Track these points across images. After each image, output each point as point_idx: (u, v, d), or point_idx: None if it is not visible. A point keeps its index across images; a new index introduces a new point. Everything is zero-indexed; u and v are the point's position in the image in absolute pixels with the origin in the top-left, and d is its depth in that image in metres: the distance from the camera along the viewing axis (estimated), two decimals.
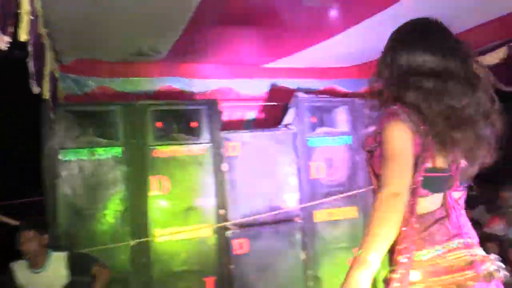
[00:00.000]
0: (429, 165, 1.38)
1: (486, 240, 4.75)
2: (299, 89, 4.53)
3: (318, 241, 3.91)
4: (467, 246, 1.39)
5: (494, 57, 3.71)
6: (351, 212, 4.01)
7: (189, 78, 4.32)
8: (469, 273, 1.33)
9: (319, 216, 3.93)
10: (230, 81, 4.49)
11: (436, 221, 1.40)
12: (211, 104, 3.74)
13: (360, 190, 4.02)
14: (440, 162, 1.39)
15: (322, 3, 3.04)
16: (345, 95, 4.77)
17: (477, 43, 3.32)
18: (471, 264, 1.34)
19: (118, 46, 3.68)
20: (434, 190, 1.41)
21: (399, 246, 1.34)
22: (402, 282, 1.31)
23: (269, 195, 3.80)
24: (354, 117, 4.12)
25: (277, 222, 3.80)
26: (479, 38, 3.51)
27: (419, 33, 1.52)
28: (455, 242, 1.39)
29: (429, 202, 1.41)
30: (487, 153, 1.45)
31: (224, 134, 3.73)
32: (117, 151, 3.45)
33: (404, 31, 1.58)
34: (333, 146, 4.03)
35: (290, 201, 3.85)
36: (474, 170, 1.47)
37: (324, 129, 4.06)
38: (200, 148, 3.63)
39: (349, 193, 3.97)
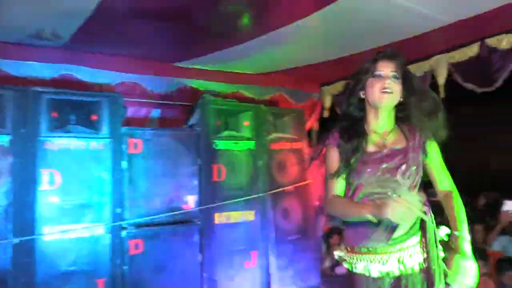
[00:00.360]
0: None
1: None
2: (207, 91, 4.55)
3: (216, 243, 3.93)
4: None
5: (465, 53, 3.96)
6: (249, 215, 4.11)
7: (93, 68, 4.11)
8: None
9: (219, 218, 3.97)
10: (137, 76, 4.36)
11: None
12: (114, 98, 3.58)
13: (260, 195, 4.14)
14: None
15: (235, 9, 3.10)
16: (251, 101, 4.90)
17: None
18: None
19: (14, 26, 3.38)
20: None
21: None
22: None
23: (169, 195, 3.74)
24: (258, 123, 4.24)
25: (175, 223, 3.75)
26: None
27: None
28: None
29: None
30: None
31: (126, 130, 3.60)
32: (4, 139, 3.15)
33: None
34: (236, 150, 4.09)
35: (190, 202, 3.83)
36: None
37: (229, 132, 4.11)
38: (98, 142, 3.46)
39: (250, 197, 4.07)
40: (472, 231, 4.16)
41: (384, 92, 1.95)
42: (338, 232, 5.45)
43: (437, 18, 3.33)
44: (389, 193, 1.84)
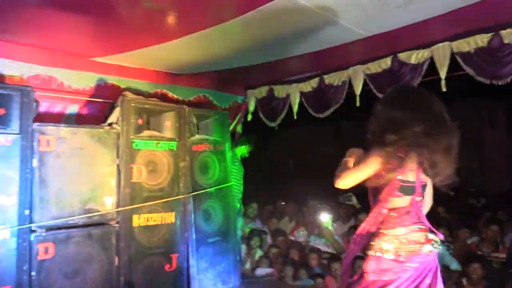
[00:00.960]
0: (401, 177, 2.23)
1: (290, 247, 5.35)
2: (128, 89, 4.41)
3: (134, 246, 3.81)
4: (422, 230, 2.27)
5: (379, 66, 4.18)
6: (169, 217, 4.04)
7: (2, 58, 3.79)
8: (420, 246, 2.21)
9: (137, 220, 3.85)
10: (52, 69, 4.09)
11: (406, 212, 2.27)
12: (24, 91, 3.32)
13: (180, 196, 4.09)
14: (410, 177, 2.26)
15: (160, 6, 3.04)
16: (175, 101, 4.83)
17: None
18: (423, 241, 2.23)
19: None
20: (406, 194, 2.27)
21: (382, 226, 2.27)
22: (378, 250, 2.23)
23: (84, 196, 3.56)
24: (181, 124, 4.18)
25: (91, 225, 3.58)
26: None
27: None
28: (415, 227, 2.26)
29: (402, 200, 2.28)
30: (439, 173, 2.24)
31: (37, 126, 3.37)
32: None
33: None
34: (157, 151, 4.01)
35: (107, 204, 3.68)
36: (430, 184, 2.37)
37: (150, 132, 4.01)
38: (6, 138, 3.20)
39: (170, 199, 4.01)
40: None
41: None
42: (258, 233, 5.55)
43: (356, 31, 3.52)
44: None
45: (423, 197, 2.38)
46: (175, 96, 4.96)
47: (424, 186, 2.35)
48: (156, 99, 4.31)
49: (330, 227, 5.27)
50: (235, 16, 3.15)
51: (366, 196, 2.48)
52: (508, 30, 3.45)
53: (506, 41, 3.46)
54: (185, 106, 4.31)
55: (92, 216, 3.57)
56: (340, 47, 3.88)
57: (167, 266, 3.99)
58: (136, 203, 3.81)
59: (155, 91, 4.79)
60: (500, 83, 3.54)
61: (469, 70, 3.66)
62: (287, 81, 5.13)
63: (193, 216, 4.19)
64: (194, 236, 4.18)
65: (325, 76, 4.67)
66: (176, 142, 4.14)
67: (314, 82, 4.82)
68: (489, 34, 3.53)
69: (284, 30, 3.48)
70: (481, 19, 3.49)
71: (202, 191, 4.31)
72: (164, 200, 3.97)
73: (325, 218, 5.29)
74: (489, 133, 9.94)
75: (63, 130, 3.52)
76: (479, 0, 3.02)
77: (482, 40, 3.57)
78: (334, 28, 3.42)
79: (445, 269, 4.13)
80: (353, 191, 5.95)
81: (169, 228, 4.04)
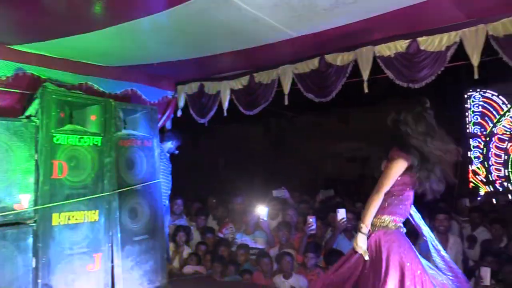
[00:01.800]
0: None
1: (219, 244, 5.36)
2: (50, 80, 4.17)
3: (54, 246, 3.61)
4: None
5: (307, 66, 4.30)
6: (93, 215, 3.87)
7: None
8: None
9: (57, 219, 3.65)
10: None
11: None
12: None
13: (105, 194, 3.94)
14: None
15: None
16: (101, 94, 4.64)
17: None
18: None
19: None
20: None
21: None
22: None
23: None
24: (106, 118, 4.02)
25: (4, 224, 3.34)
26: None
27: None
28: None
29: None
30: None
31: None
32: None
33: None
34: (80, 146, 3.82)
35: (24, 202, 3.45)
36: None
37: (73, 126, 3.81)
38: None
39: (94, 196, 3.84)
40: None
41: None
42: (184, 230, 5.49)
43: (285, 31, 3.61)
44: None
45: None
46: (101, 89, 4.77)
47: None
48: (80, 92, 4.11)
49: (265, 218, 5.36)
50: (165, 8, 3.10)
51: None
52: (424, 38, 3.72)
53: (422, 47, 3.73)
54: (111, 100, 4.15)
55: (7, 215, 3.32)
56: (270, 46, 3.95)
57: (89, 266, 3.82)
58: (56, 201, 3.60)
59: (80, 84, 4.58)
60: (416, 87, 3.81)
61: (389, 74, 3.89)
62: (218, 77, 5.14)
63: (118, 214, 4.05)
64: (119, 235, 4.04)
65: (255, 74, 4.74)
66: (101, 137, 3.97)
67: (244, 80, 4.87)
68: (408, 40, 3.78)
69: (214, 26, 3.48)
70: (401, 26, 3.74)
71: (128, 188, 4.17)
72: (87, 197, 3.80)
73: (262, 211, 5.35)
74: None
75: None
76: (399, 8, 3.22)
77: (401, 45, 3.83)
78: (264, 27, 3.47)
79: None
80: None
81: (92, 226, 3.87)
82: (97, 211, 3.90)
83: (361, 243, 2.78)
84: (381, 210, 2.82)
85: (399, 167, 2.75)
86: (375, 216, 2.82)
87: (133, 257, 4.16)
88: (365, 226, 2.80)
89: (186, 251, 5.37)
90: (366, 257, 2.78)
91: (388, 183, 2.76)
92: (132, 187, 4.22)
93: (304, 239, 4.96)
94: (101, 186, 3.94)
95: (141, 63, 4.65)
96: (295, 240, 5.23)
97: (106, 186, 3.97)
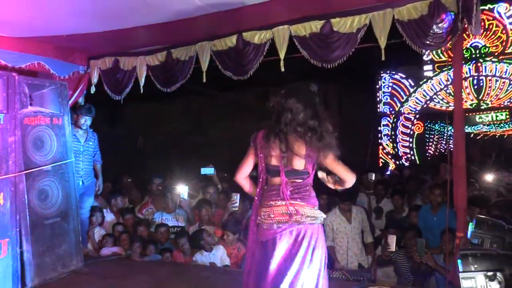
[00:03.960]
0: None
1: (138, 224, 5.25)
2: None
3: None
4: (287, 205, 2.56)
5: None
6: None
7: None
8: (286, 218, 2.56)
9: None
10: None
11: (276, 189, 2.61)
12: None
13: (10, 175, 3.67)
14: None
15: None
16: (3, 68, 4.26)
17: None
18: (288, 214, 2.55)
19: None
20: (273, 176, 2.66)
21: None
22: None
23: None
24: (9, 94, 3.71)
25: None
26: None
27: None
28: (281, 201, 2.58)
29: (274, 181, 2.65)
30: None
31: None
32: None
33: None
34: None
35: None
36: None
37: None
38: None
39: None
40: None
41: None
42: (99, 210, 5.31)
43: (201, 6, 3.55)
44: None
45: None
46: (3, 62, 4.37)
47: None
48: None
49: (186, 197, 5.34)
50: None
51: None
52: (337, 19, 3.87)
53: (335, 29, 3.87)
54: (14, 74, 3.83)
55: None
56: (188, 21, 3.88)
57: None
58: None
59: None
60: (329, 67, 3.97)
61: (304, 53, 4.00)
62: (134, 52, 4.94)
63: (26, 196, 3.81)
64: (28, 219, 3.81)
65: (173, 50, 4.62)
66: (3, 115, 3.67)
67: (161, 56, 4.73)
68: (322, 21, 3.91)
69: None
70: (317, 6, 3.85)
71: (37, 168, 3.92)
72: None
73: (182, 189, 5.32)
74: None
75: None
76: None
77: (316, 26, 3.94)
78: (180, 0, 3.38)
79: None
80: None
81: None
82: (1, 194, 3.64)
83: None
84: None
85: None
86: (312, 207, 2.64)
87: (45, 241, 3.96)
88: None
89: (99, 232, 5.20)
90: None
91: None
92: (41, 167, 3.98)
93: (225, 216, 5.03)
94: (5, 167, 3.67)
95: (49, 34, 4.33)
96: (215, 217, 5.30)
97: (10, 167, 3.70)
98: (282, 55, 4.06)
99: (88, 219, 5.13)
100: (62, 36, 4.36)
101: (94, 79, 5.22)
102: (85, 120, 4.96)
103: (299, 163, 2.58)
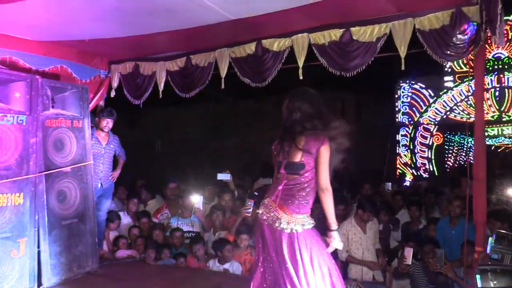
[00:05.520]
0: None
1: (153, 229, 5.29)
2: None
3: None
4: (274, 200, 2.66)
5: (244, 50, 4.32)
6: (17, 198, 3.67)
7: None
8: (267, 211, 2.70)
9: None
10: None
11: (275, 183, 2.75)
12: None
13: (30, 176, 3.74)
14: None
15: None
16: (27, 70, 4.36)
17: None
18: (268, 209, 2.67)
19: None
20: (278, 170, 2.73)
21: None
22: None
23: None
24: (32, 96, 3.80)
25: None
26: None
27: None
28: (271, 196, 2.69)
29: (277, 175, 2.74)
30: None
31: None
32: None
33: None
34: (3, 124, 3.58)
35: None
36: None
37: None
38: None
39: (18, 178, 3.64)
40: None
41: None
42: (117, 216, 5.36)
43: (222, 14, 3.58)
44: None
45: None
46: (27, 64, 4.48)
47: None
48: (2, 67, 3.83)
49: (200, 207, 5.36)
50: None
51: None
52: (357, 28, 3.86)
53: (355, 37, 3.86)
54: (38, 77, 3.91)
55: None
56: (208, 28, 3.91)
57: (13, 252, 3.63)
58: None
59: (3, 58, 4.27)
60: (348, 75, 3.95)
61: (323, 61, 4.00)
62: (154, 58, 5.00)
63: (45, 197, 3.87)
64: (46, 219, 3.87)
65: (192, 56, 4.67)
66: (26, 116, 3.75)
67: (181, 61, 4.79)
68: (341, 30, 3.90)
69: (149, 2, 3.38)
70: (336, 15, 3.84)
71: (56, 170, 3.99)
72: (10, 179, 3.58)
73: (196, 199, 5.34)
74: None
75: None
76: None
77: (335, 34, 3.94)
78: (200, 8, 3.42)
79: None
80: None
81: (17, 210, 3.67)
82: (22, 194, 3.70)
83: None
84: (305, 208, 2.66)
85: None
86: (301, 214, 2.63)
87: (62, 241, 4.01)
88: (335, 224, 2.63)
89: (114, 234, 5.25)
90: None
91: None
92: (61, 169, 4.04)
93: (237, 221, 5.03)
94: (26, 167, 3.74)
95: (72, 38, 4.42)
96: (229, 222, 5.29)
97: (31, 168, 3.77)
98: (300, 63, 4.06)
99: (105, 221, 5.18)
100: (85, 40, 4.45)
101: (115, 83, 5.31)
102: (107, 123, 5.03)
103: (296, 155, 2.60)
